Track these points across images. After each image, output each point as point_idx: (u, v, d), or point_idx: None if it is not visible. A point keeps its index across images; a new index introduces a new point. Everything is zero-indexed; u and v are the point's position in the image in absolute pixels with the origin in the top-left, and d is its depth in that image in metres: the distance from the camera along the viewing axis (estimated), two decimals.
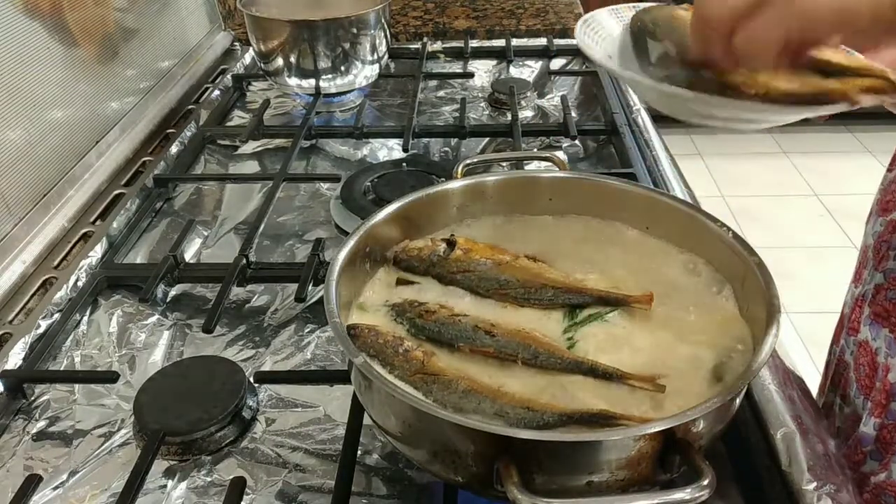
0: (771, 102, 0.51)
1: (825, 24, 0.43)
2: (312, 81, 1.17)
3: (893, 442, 0.70)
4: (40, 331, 0.73)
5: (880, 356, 0.71)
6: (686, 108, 0.63)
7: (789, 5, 0.43)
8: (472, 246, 0.63)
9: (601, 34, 0.67)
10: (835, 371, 0.82)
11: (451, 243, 0.63)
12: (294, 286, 0.77)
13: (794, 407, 0.60)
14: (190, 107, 1.23)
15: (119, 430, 0.64)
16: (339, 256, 0.58)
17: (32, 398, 0.68)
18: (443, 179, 0.90)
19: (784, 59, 0.47)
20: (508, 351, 0.54)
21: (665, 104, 0.66)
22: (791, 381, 0.64)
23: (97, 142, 1.00)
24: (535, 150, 1.10)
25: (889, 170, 0.76)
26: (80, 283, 0.79)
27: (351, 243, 0.59)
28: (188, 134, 1.10)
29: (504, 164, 1.00)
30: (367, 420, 0.59)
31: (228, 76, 1.30)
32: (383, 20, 1.18)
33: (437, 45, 1.43)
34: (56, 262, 0.84)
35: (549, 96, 1.27)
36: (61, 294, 0.77)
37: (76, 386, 0.69)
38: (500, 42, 1.43)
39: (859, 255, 0.80)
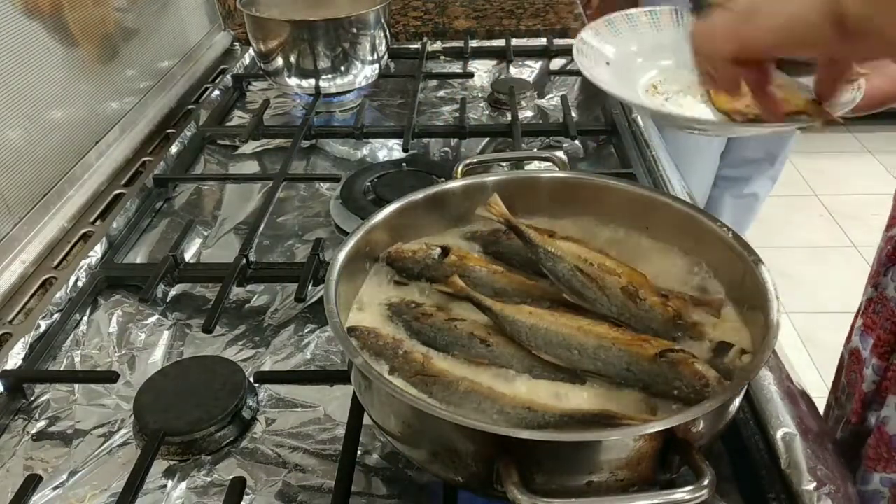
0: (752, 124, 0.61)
1: (772, 36, 0.46)
2: (312, 81, 1.17)
3: (862, 449, 0.70)
4: (40, 331, 0.73)
5: (864, 365, 0.72)
6: (676, 123, 0.68)
7: (740, 21, 0.48)
8: (466, 254, 0.64)
9: (597, 50, 0.69)
10: (835, 376, 0.83)
11: (444, 249, 0.63)
12: (294, 286, 0.77)
13: (795, 408, 0.60)
14: (190, 107, 1.23)
15: (119, 430, 0.64)
16: (339, 256, 0.58)
17: (32, 398, 0.68)
18: (443, 179, 0.90)
19: (750, 79, 0.52)
20: (502, 363, 0.54)
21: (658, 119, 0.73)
22: (792, 382, 0.64)
23: (97, 142, 1.00)
24: (535, 150, 1.10)
25: None
26: (79, 283, 0.79)
27: (351, 243, 0.59)
28: (188, 134, 1.10)
29: (504, 164, 1.00)
30: (367, 420, 0.59)
31: (228, 76, 1.30)
32: (383, 20, 1.18)
33: (437, 45, 1.43)
34: (56, 262, 0.84)
35: (549, 96, 1.27)
36: (61, 294, 0.77)
37: (76, 386, 0.69)
38: (500, 42, 1.43)
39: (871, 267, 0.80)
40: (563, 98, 1.17)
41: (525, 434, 0.43)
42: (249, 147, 1.11)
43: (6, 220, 0.82)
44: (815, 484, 0.53)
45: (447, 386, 0.52)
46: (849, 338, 0.79)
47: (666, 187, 0.94)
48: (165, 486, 0.59)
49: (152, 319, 0.77)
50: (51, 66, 0.91)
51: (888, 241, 0.74)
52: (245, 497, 0.56)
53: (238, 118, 1.22)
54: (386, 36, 1.20)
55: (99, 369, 0.71)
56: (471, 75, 1.34)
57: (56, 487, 0.59)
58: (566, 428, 0.48)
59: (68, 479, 0.60)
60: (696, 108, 0.69)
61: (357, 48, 1.15)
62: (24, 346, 0.71)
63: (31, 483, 0.57)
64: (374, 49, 1.17)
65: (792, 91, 0.65)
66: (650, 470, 0.45)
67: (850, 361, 0.76)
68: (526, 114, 1.20)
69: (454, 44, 1.44)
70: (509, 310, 0.56)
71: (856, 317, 0.78)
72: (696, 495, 0.41)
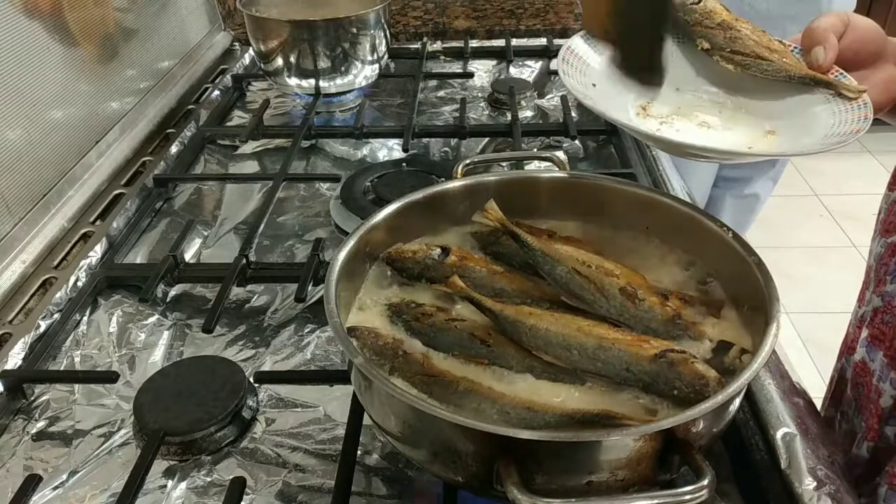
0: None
1: None
2: (312, 81, 1.17)
3: (883, 466, 0.69)
4: (40, 331, 0.73)
5: (874, 378, 0.71)
6: (674, 149, 0.67)
7: None
8: (467, 254, 0.63)
9: (581, 64, 0.67)
10: (836, 388, 0.82)
11: (445, 249, 0.63)
12: (294, 286, 0.77)
13: (795, 408, 0.60)
14: (190, 107, 1.23)
15: (119, 430, 0.64)
16: (339, 256, 0.58)
17: (32, 398, 0.68)
18: (443, 179, 0.90)
19: None
20: (502, 363, 0.54)
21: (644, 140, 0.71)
22: (791, 382, 0.64)
23: (97, 142, 1.00)
24: (535, 150, 1.10)
25: (890, 189, 0.75)
26: (79, 283, 0.79)
27: (351, 243, 0.59)
28: (188, 134, 1.10)
29: (504, 164, 1.00)
30: (367, 420, 0.59)
31: (228, 76, 1.30)
32: (383, 20, 1.18)
33: (437, 45, 1.43)
34: (56, 262, 0.84)
35: (549, 96, 1.27)
36: (61, 294, 0.77)
37: (76, 386, 0.69)
38: (500, 42, 1.43)
39: (864, 275, 0.79)
40: (563, 98, 1.17)
41: (525, 434, 0.43)
42: (249, 147, 1.11)
43: (6, 220, 0.82)
44: (815, 484, 0.53)
45: (447, 386, 0.52)
46: (850, 349, 0.77)
47: (666, 187, 0.94)
48: (165, 486, 0.59)
49: (152, 319, 0.77)
50: (51, 66, 0.91)
51: (889, 248, 0.72)
52: (245, 497, 0.56)
53: (238, 118, 1.22)
54: (386, 36, 1.20)
55: (99, 369, 0.71)
56: (471, 75, 1.34)
57: (56, 487, 0.59)
58: (566, 428, 0.48)
59: (68, 479, 0.60)
60: (694, 132, 0.68)
61: (357, 48, 1.15)
62: (24, 346, 0.71)
63: (31, 483, 0.57)
64: (374, 49, 1.17)
65: (792, 58, 0.66)
66: (650, 470, 0.45)
67: (855, 374, 0.75)
68: (526, 114, 1.20)
69: (454, 44, 1.44)
70: (509, 310, 0.56)
71: (858, 328, 0.76)
72: (696, 495, 0.41)
